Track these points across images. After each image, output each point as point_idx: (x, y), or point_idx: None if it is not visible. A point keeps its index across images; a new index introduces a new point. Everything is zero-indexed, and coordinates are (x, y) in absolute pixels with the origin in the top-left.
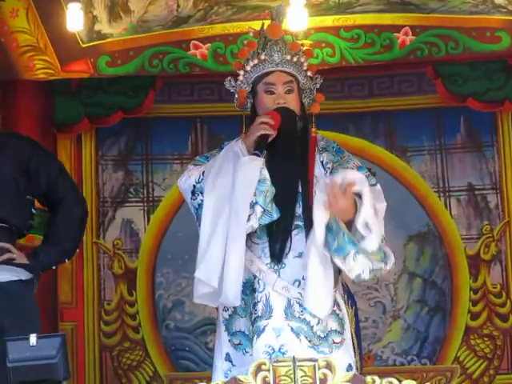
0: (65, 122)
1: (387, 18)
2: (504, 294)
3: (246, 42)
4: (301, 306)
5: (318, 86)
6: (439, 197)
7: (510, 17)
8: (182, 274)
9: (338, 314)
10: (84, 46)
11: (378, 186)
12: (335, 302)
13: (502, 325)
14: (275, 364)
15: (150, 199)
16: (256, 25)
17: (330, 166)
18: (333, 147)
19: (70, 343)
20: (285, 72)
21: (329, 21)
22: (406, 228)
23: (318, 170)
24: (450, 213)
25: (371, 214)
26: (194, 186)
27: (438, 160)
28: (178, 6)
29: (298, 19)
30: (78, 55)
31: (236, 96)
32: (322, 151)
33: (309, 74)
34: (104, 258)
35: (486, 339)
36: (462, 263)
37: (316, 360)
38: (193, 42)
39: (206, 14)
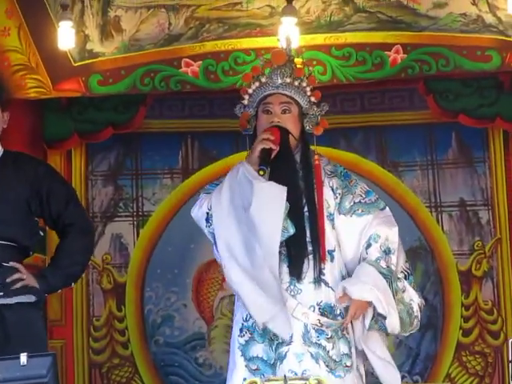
0: (55, 137)
1: (378, 37)
2: (495, 311)
3: (251, 68)
4: (316, 331)
5: (323, 112)
6: (431, 212)
7: (500, 36)
8: (171, 289)
9: (346, 338)
10: (76, 64)
11: (387, 208)
12: (342, 327)
13: (493, 342)
14: (267, 382)
15: (140, 214)
16: (247, 42)
17: (339, 191)
18: (340, 172)
19: (60, 361)
20: (284, 94)
21: (320, 39)
22: None
23: (328, 195)
24: (442, 228)
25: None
26: (208, 214)
27: (429, 175)
28: (170, 24)
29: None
30: (69, 74)
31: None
32: (330, 176)
33: (312, 99)
34: (93, 273)
35: (477, 356)
36: (453, 279)
37: (307, 379)
38: (184, 59)
39: (197, 32)
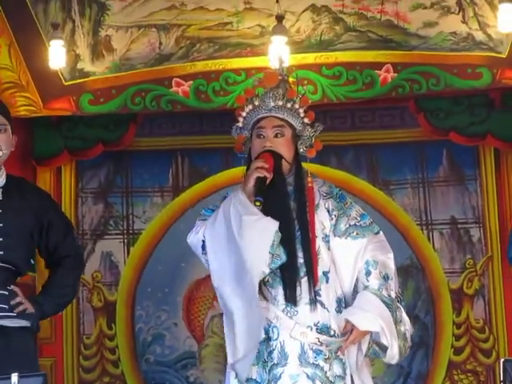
0: (44, 154)
1: (369, 56)
2: (487, 330)
3: (244, 89)
4: (314, 351)
5: (317, 133)
6: (422, 230)
7: (490, 53)
8: (162, 307)
9: (341, 359)
10: (66, 83)
11: (381, 233)
12: (339, 347)
13: (485, 360)
14: None
15: (130, 232)
16: (237, 62)
17: (335, 213)
18: (336, 193)
19: (50, 379)
20: (277, 117)
21: (310, 58)
22: None
23: (323, 216)
24: (433, 246)
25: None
26: (203, 242)
27: (420, 193)
28: (161, 43)
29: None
30: (60, 93)
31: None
32: (326, 197)
33: (306, 121)
34: (83, 291)
35: (469, 375)
36: (445, 297)
37: None
38: (175, 79)
39: (188, 52)
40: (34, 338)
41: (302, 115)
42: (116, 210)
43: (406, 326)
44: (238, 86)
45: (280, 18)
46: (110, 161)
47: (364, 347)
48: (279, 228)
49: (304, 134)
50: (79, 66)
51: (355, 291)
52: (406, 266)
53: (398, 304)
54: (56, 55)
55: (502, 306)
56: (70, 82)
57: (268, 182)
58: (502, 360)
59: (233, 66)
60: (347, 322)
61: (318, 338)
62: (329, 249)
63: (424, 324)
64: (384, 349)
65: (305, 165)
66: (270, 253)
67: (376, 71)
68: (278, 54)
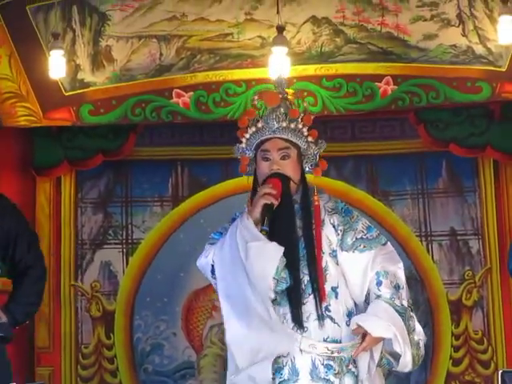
0: (44, 164)
1: (369, 68)
2: (485, 341)
3: (246, 110)
4: (325, 367)
5: (321, 150)
6: (421, 241)
7: (490, 67)
8: (160, 317)
9: (353, 372)
10: (67, 94)
11: (389, 243)
12: (350, 360)
13: (483, 372)
14: None
15: (129, 241)
16: (238, 73)
17: (341, 228)
18: (341, 208)
19: None
20: (281, 139)
21: (311, 70)
22: None
23: (330, 232)
24: (432, 257)
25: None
26: (213, 266)
27: (420, 204)
28: (161, 54)
29: (280, 67)
30: (60, 103)
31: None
32: (331, 213)
33: (310, 139)
34: (82, 301)
35: None
36: (443, 308)
37: None
38: (175, 90)
39: (188, 63)
40: (5, 347)
41: (305, 134)
42: (115, 219)
43: (420, 335)
44: (238, 97)
45: (281, 29)
46: (109, 170)
47: (376, 356)
48: (284, 251)
49: (308, 152)
50: (79, 76)
51: (366, 303)
52: (404, 277)
53: (411, 313)
54: (56, 65)
55: (501, 317)
56: (70, 93)
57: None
58: (501, 371)
59: (233, 77)
60: (359, 327)
61: (327, 347)
62: (337, 264)
63: None
64: (397, 357)
65: (308, 175)
66: (274, 278)
67: (376, 83)
68: (279, 72)
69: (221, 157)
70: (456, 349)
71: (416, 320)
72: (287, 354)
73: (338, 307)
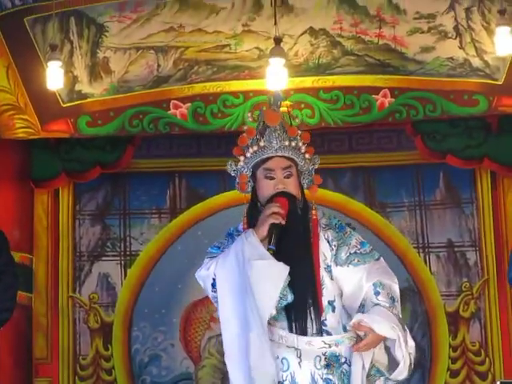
0: (42, 176)
1: (366, 80)
2: (483, 352)
3: (245, 128)
4: (324, 380)
5: (316, 166)
6: (419, 253)
7: (487, 80)
8: (158, 328)
9: None
10: (64, 105)
11: (382, 259)
12: (349, 372)
13: (481, 383)
14: None
15: (127, 253)
16: (235, 84)
17: (335, 243)
18: (335, 224)
19: None
20: (284, 157)
21: (308, 82)
22: None
23: (324, 247)
24: (430, 269)
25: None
26: (214, 280)
27: (417, 216)
28: (159, 65)
29: (277, 79)
30: (58, 115)
31: (237, 180)
32: (325, 228)
33: (307, 156)
34: (80, 312)
35: None
36: (441, 320)
37: None
38: (173, 101)
39: (186, 74)
40: None
41: (303, 151)
42: (113, 231)
43: (411, 350)
44: (235, 108)
45: (278, 40)
46: (107, 183)
47: (367, 364)
48: (290, 270)
49: (305, 168)
50: (77, 87)
51: (361, 312)
52: (402, 289)
53: (405, 327)
54: (54, 76)
55: (498, 328)
56: (68, 104)
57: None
58: (499, 382)
59: (231, 89)
60: (363, 324)
61: (324, 341)
62: (332, 278)
63: (420, 346)
64: (390, 365)
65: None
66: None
67: (373, 96)
68: (276, 83)
69: (218, 169)
70: (453, 360)
71: (409, 335)
72: (287, 367)
73: (334, 321)
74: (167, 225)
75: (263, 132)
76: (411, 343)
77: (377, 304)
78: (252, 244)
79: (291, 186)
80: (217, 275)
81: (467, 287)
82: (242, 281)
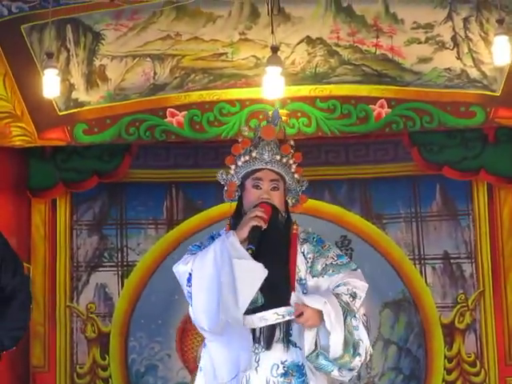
0: (39, 186)
1: (363, 90)
2: (478, 364)
3: (240, 139)
4: None
5: (303, 188)
6: (414, 264)
7: (484, 91)
8: (155, 339)
9: None
10: (61, 113)
11: (359, 270)
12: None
13: None
14: None
15: (125, 264)
16: (232, 93)
17: (310, 256)
18: (313, 238)
19: None
20: (273, 171)
21: (305, 90)
22: (381, 295)
23: (299, 260)
24: (425, 281)
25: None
26: (190, 274)
27: (413, 228)
28: (155, 73)
29: (274, 87)
30: (54, 123)
31: (226, 188)
32: (302, 242)
33: (296, 176)
34: (77, 322)
35: None
36: (436, 331)
37: None
38: (169, 109)
39: (182, 82)
40: None
41: (293, 170)
42: (110, 242)
43: (362, 338)
44: (232, 116)
45: (275, 49)
46: (104, 193)
47: (306, 345)
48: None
49: (292, 187)
50: (74, 95)
51: None
52: (398, 300)
53: (356, 315)
54: (50, 84)
55: (494, 340)
56: (65, 112)
57: (262, 231)
58: None
59: (227, 97)
60: (297, 299)
61: (277, 312)
62: (304, 291)
63: (416, 357)
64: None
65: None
66: None
67: (370, 106)
68: (273, 93)
69: (215, 179)
70: (449, 371)
71: (363, 328)
72: (245, 369)
73: (300, 332)
74: (164, 235)
75: (257, 144)
76: (363, 333)
77: (330, 291)
78: (232, 244)
79: (276, 199)
80: (193, 271)
81: (463, 299)
82: (217, 279)
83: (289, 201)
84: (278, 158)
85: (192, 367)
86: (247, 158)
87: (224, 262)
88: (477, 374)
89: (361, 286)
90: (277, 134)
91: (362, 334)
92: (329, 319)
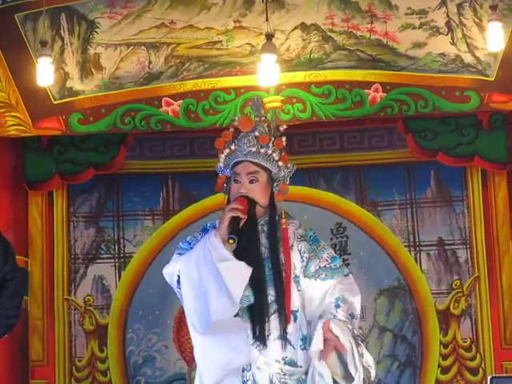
0: (36, 178)
1: (358, 75)
2: (474, 348)
3: (222, 133)
4: (281, 383)
5: (292, 173)
6: (410, 251)
7: (479, 76)
8: (152, 330)
9: None
10: (56, 102)
11: (351, 276)
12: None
13: (472, 378)
14: None
15: (122, 255)
16: (227, 81)
17: (306, 255)
18: (310, 236)
19: None
20: (252, 162)
21: (300, 76)
22: (376, 282)
23: (295, 257)
24: (421, 267)
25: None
26: (179, 277)
27: (408, 214)
28: (150, 62)
29: (269, 74)
30: (49, 112)
31: (217, 180)
32: (300, 239)
33: (280, 164)
34: (75, 315)
35: None
36: (431, 318)
37: None
38: (164, 98)
39: (177, 71)
40: None
41: (276, 158)
42: (107, 233)
43: (370, 363)
44: (227, 104)
45: (269, 36)
46: (101, 185)
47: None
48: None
49: (280, 175)
50: (68, 84)
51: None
52: (393, 287)
53: (360, 342)
54: (44, 72)
55: (489, 324)
56: (59, 101)
57: (242, 222)
58: (490, 377)
59: (222, 85)
60: (332, 328)
61: (282, 369)
62: (298, 289)
63: (411, 344)
64: (347, 377)
65: (293, 188)
66: None
67: (365, 90)
68: (268, 79)
69: (211, 170)
70: (444, 357)
71: (366, 350)
72: (250, 368)
73: (294, 330)
74: (160, 226)
75: (237, 136)
76: (369, 356)
77: (334, 316)
78: (213, 245)
79: (255, 192)
80: (181, 272)
81: (458, 285)
82: (201, 280)
83: (275, 190)
84: (255, 149)
85: (189, 358)
86: (227, 151)
87: (208, 268)
88: (472, 359)
89: (355, 302)
90: (269, 122)
91: (367, 358)
92: (353, 362)
